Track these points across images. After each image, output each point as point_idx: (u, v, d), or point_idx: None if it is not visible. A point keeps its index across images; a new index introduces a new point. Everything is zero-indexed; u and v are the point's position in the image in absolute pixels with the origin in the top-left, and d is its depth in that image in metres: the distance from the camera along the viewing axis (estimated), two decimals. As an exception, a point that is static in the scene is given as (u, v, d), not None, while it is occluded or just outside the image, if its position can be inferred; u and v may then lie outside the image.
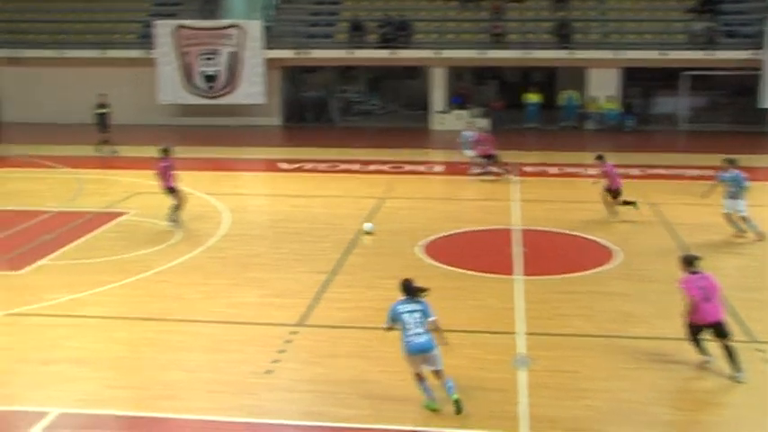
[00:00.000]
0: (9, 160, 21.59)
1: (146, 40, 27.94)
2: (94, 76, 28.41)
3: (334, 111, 29.52)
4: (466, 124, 20.99)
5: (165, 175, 14.43)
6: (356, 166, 20.25)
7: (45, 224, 14.85)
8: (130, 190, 17.78)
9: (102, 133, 22.17)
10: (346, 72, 30.56)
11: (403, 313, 7.84)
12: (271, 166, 21.13)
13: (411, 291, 7.95)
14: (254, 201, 17.20)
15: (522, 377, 8.56)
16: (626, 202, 14.52)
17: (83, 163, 20.79)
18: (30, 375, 8.80)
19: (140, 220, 15.26)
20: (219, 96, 27.65)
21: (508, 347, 9.25)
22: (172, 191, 14.45)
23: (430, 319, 7.82)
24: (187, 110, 28.40)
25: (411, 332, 7.76)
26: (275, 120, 28.66)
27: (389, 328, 7.97)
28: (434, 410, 7.85)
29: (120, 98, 28.58)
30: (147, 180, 18.69)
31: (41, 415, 7.90)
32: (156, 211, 15.67)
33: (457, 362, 8.53)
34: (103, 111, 22.51)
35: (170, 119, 28.58)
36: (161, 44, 27.38)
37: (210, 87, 27.54)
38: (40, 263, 12.52)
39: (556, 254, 12.62)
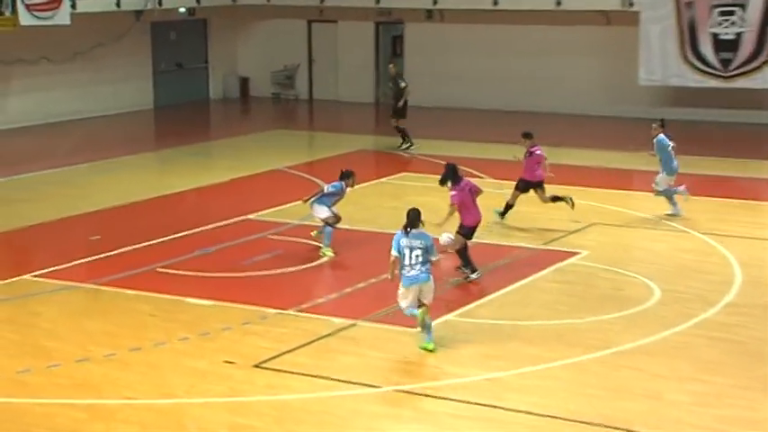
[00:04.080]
0: (413, 162, 24.22)
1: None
2: (542, 38, 30.27)
3: None
4: None
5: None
6: None
7: (455, 259, 16.12)
8: (586, 218, 18.56)
9: (395, 118, 25.17)
10: None
11: (405, 248, 12.31)
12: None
13: (415, 223, 12.38)
14: (784, 251, 16.67)
15: None
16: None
17: (513, 171, 22.27)
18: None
19: (596, 266, 15.91)
20: (737, 76, 27.33)
21: None
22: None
23: (434, 259, 12.43)
24: (682, 96, 28.67)
25: (409, 267, 12.32)
26: (831, 117, 27.44)
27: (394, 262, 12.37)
28: (429, 351, 12.35)
29: (575, 74, 30.07)
30: (611, 204, 19.41)
31: None
32: (621, 254, 16.16)
33: None
34: (395, 88, 25.16)
35: (651, 109, 29.07)
36: (651, -9, 28.06)
37: (725, 62, 27.36)
38: (444, 318, 13.62)
39: None
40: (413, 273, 12.37)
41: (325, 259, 16.32)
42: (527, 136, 18.22)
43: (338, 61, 33.62)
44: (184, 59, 33.82)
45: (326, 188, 16.81)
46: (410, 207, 12.64)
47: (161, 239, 17.55)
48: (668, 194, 18.69)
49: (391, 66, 26.47)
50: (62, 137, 28.07)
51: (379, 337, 13.03)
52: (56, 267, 16.03)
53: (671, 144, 18.47)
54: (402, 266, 12.40)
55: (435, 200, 19.42)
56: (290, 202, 19.62)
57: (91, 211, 19.74)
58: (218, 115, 33.84)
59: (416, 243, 12.36)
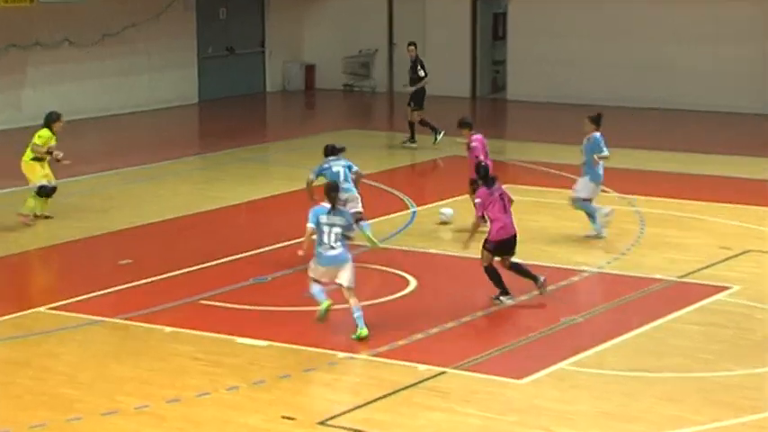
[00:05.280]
0: (520, 172, 24.17)
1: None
2: (685, 17, 29.97)
3: None
4: None
5: None
6: None
7: (573, 292, 15.98)
8: (737, 244, 18.44)
9: (413, 111, 26.51)
10: None
11: (324, 225, 14.28)
12: None
13: (334, 200, 14.44)
14: None
15: None
16: None
17: (642, 183, 22.20)
18: None
19: (752, 305, 15.72)
20: None
21: None
22: None
23: (349, 234, 14.53)
24: None
25: (326, 245, 14.30)
26: None
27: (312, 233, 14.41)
28: (322, 315, 14.29)
29: (727, 63, 29.76)
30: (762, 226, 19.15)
31: None
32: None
33: None
34: (411, 74, 26.78)
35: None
36: None
37: None
38: (556, 366, 13.51)
39: None
40: (332, 252, 14.27)
41: (411, 288, 16.31)
42: (464, 125, 19.24)
43: (426, 45, 33.56)
44: (237, 43, 34.08)
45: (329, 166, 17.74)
46: (327, 183, 15.01)
47: (206, 264, 17.64)
48: (589, 210, 18.75)
49: (411, 47, 27.13)
50: (87, 138, 28.38)
51: (473, 390, 12.93)
52: (78, 298, 16.17)
53: (604, 150, 18.63)
54: (319, 243, 14.31)
55: (547, 219, 19.25)
56: (365, 219, 19.59)
57: (121, 229, 19.94)
58: (276, 111, 34.04)
59: (337, 220, 14.30)
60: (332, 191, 14.52)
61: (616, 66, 30.89)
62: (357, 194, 17.60)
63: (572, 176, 22.69)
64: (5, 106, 28.43)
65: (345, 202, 16.98)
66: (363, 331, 14.16)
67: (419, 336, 14.54)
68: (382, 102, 34.16)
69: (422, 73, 26.61)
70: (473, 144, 18.84)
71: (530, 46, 32.02)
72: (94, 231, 19.75)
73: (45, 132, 19.89)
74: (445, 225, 19.52)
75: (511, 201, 15.91)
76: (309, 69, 35.30)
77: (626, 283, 16.60)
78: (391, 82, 34.57)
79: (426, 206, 20.92)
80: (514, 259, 15.77)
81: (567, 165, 23.57)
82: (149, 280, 16.95)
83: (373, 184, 22.65)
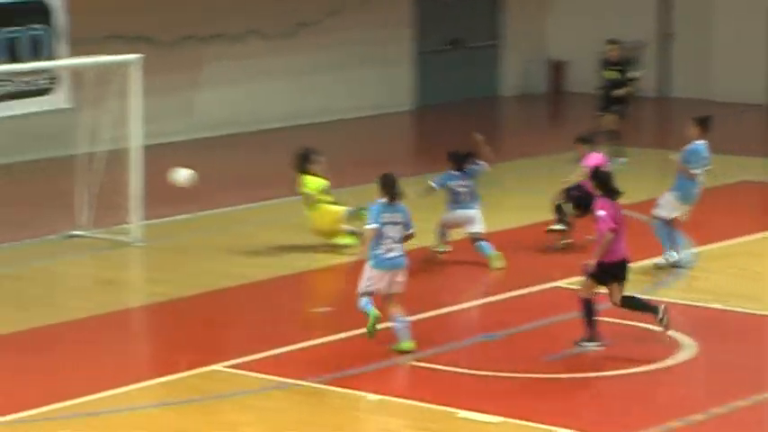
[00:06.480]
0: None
1: None
2: None
3: None
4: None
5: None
6: None
7: None
8: None
9: (604, 117, 27.12)
10: None
11: (386, 224, 15.79)
12: None
13: (394, 193, 16.07)
14: None
15: None
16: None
17: None
18: None
19: None
20: None
21: None
22: None
23: (408, 232, 16.11)
24: None
25: (386, 247, 15.85)
26: None
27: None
28: (371, 332, 15.97)
29: None
30: None
31: None
32: None
33: None
34: (620, 77, 27.27)
35: None
36: None
37: None
38: None
39: None
40: (392, 254, 15.94)
41: (684, 355, 16.22)
42: (584, 140, 21.46)
43: (712, 37, 33.32)
44: (465, 34, 34.23)
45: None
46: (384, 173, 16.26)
47: (421, 316, 17.67)
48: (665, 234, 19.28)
49: (613, 46, 28.07)
50: (274, 153, 28.73)
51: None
52: (262, 354, 16.41)
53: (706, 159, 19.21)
54: (377, 245, 15.84)
55: None
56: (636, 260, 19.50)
57: (317, 269, 20.37)
58: (512, 121, 34.14)
59: (398, 217, 16.02)
60: (388, 184, 16.13)
61: None
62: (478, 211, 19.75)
63: None
64: (176, 111, 28.86)
65: (464, 223, 19.70)
66: (409, 344, 15.96)
67: (675, 424, 14.29)
68: (651, 109, 33.93)
69: (636, 74, 27.93)
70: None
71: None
72: (283, 270, 20.15)
73: (310, 178, 21.08)
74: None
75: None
76: (557, 67, 35.33)
77: None
78: (665, 85, 34.37)
79: (711, 246, 20.68)
80: (626, 293, 16.19)
81: None
82: (352, 333, 17.04)
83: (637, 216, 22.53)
